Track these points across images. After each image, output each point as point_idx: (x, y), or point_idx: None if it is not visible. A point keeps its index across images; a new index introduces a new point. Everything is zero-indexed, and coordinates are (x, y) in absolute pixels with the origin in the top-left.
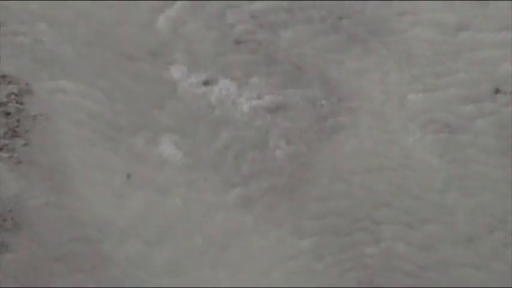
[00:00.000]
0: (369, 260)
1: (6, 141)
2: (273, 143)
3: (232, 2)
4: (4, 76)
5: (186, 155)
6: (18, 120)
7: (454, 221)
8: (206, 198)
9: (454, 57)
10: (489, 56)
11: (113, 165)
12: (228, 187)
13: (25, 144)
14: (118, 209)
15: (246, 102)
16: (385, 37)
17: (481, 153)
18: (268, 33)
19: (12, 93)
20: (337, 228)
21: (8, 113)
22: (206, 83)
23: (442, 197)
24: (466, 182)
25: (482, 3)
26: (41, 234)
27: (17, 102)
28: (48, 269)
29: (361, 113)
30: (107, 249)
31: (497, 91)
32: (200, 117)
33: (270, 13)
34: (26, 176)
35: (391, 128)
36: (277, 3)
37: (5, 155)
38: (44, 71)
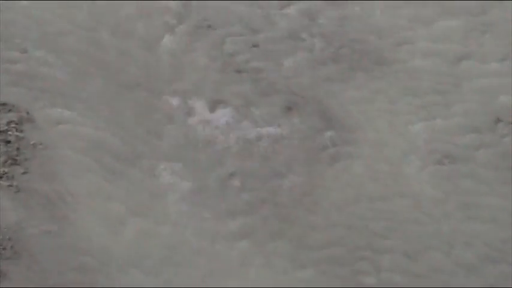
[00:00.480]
0: None
1: (6, 170)
2: (274, 172)
3: (234, 31)
4: (4, 104)
5: (186, 184)
6: (18, 149)
7: (453, 251)
8: (206, 227)
9: (454, 87)
10: (490, 86)
11: (111, 194)
12: (228, 216)
13: (24, 173)
14: (116, 239)
15: (247, 131)
16: (384, 67)
17: (481, 183)
18: (269, 62)
19: (12, 121)
20: (336, 258)
21: (8, 141)
22: (207, 111)
23: (442, 227)
24: (466, 212)
25: (480, 32)
26: (39, 262)
27: (17, 131)
28: None
29: (361, 142)
30: (105, 279)
31: (497, 121)
32: (201, 146)
33: (271, 42)
34: (25, 204)
35: (391, 158)
36: (279, 33)
37: (4, 183)
38: (44, 99)
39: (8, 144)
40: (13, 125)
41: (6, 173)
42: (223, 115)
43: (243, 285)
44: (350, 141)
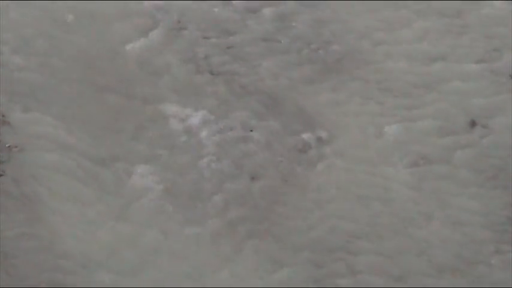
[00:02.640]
0: None
1: None
2: (249, 174)
3: (208, 33)
4: None
5: (162, 187)
6: None
7: (430, 253)
8: (182, 230)
9: (430, 88)
10: (465, 88)
11: (86, 196)
12: (204, 219)
13: (0, 176)
14: (92, 241)
15: (222, 133)
16: (361, 68)
17: (457, 185)
18: (244, 64)
19: None
20: (311, 260)
21: None
22: (182, 114)
23: (419, 229)
24: (442, 214)
25: (456, 34)
26: (15, 265)
27: None
28: None
29: (337, 144)
30: (80, 280)
31: (473, 123)
32: (175, 148)
33: (246, 45)
34: (1, 207)
35: (367, 160)
36: (253, 35)
37: None
38: (19, 102)
39: None
40: None
41: None
42: (198, 118)
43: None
44: (326, 143)
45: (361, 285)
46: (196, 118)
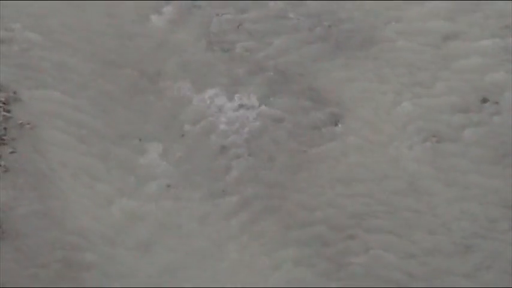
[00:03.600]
0: (356, 269)
1: None
2: (262, 150)
3: (220, 11)
4: None
5: (174, 164)
6: (5, 129)
7: (443, 230)
8: (191, 207)
9: (441, 66)
10: (476, 65)
11: (98, 174)
12: (214, 196)
13: (12, 152)
14: (103, 217)
15: (234, 110)
16: (373, 46)
17: (469, 162)
18: (256, 42)
19: (0, 101)
20: (324, 237)
21: None
22: (194, 91)
23: (431, 206)
24: (454, 191)
25: (469, 12)
26: (27, 242)
27: (4, 111)
28: (33, 276)
29: (349, 122)
30: (91, 257)
31: (484, 100)
32: (188, 126)
33: (258, 21)
34: (13, 184)
35: (379, 137)
36: (266, 12)
37: None
38: (32, 79)
39: None
40: (0, 105)
41: None
42: (210, 95)
43: (227, 266)
44: (339, 120)
45: (374, 261)
46: (208, 95)
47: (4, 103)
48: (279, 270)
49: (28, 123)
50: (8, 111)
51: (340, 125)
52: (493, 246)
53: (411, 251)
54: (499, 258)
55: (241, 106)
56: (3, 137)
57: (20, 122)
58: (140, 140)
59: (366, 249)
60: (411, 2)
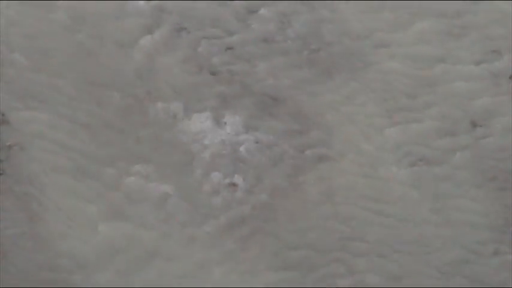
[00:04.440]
0: None
1: None
2: (250, 175)
3: (208, 33)
4: None
5: (162, 187)
6: None
7: (429, 254)
8: (178, 231)
9: (429, 90)
10: (465, 89)
11: (85, 195)
12: (201, 219)
13: (0, 174)
14: (90, 239)
15: (223, 135)
16: (361, 70)
17: (457, 186)
18: (244, 64)
19: None
20: (310, 260)
21: None
22: (182, 113)
23: (418, 230)
24: (442, 215)
25: (456, 36)
26: (14, 263)
27: None
28: None
29: (336, 146)
30: (78, 279)
31: (474, 124)
32: (176, 149)
33: (246, 44)
34: (0, 206)
35: (366, 161)
36: (254, 35)
37: None
38: (20, 101)
39: None
40: None
41: None
42: (199, 118)
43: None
44: (326, 144)
45: (360, 285)
46: (196, 118)
47: None
48: None
49: (16, 145)
50: None
51: (327, 149)
52: (479, 271)
53: (396, 273)
54: (484, 283)
55: (229, 130)
56: None
57: (8, 144)
58: (129, 161)
59: (351, 272)
60: (400, 25)
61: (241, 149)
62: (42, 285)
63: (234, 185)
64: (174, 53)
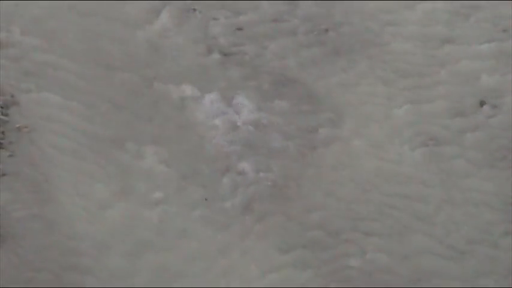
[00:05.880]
0: (352, 272)
1: None
2: (258, 156)
3: (218, 14)
4: None
5: (171, 168)
6: (3, 132)
7: (440, 233)
8: (189, 213)
9: (438, 69)
10: (473, 69)
11: (96, 177)
12: (213, 200)
13: (10, 156)
14: (99, 221)
15: (234, 115)
16: (370, 50)
17: (469, 165)
18: (254, 45)
19: None
20: (321, 241)
21: None
22: (192, 95)
23: (429, 209)
24: (453, 195)
25: (466, 15)
26: (24, 246)
27: (2, 114)
28: (30, 280)
29: (347, 126)
30: (87, 261)
31: (482, 103)
32: (187, 130)
33: (255, 25)
34: (10, 188)
35: (376, 142)
36: (262, 15)
37: None
38: (30, 82)
39: None
40: None
41: None
42: (209, 99)
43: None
44: (336, 125)
45: (371, 264)
46: (207, 99)
47: (2, 107)
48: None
49: (26, 127)
50: (6, 115)
51: (337, 130)
52: (489, 251)
53: (406, 253)
54: (496, 263)
55: (240, 111)
56: (1, 141)
57: (18, 125)
58: (140, 143)
59: (363, 252)
60: (408, 4)
61: (252, 129)
62: (52, 266)
63: (244, 165)
64: (183, 34)
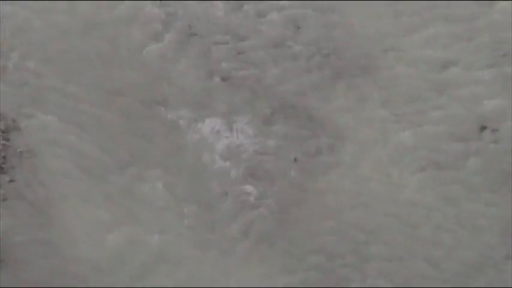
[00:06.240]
0: None
1: None
2: (260, 180)
3: (219, 39)
4: None
5: (171, 192)
6: (4, 157)
7: (439, 258)
8: (190, 236)
9: (439, 94)
10: (474, 93)
11: (97, 201)
12: (213, 224)
13: (11, 181)
14: (102, 245)
15: (234, 139)
16: (371, 74)
17: (468, 190)
18: (255, 70)
19: None
20: (323, 265)
21: None
22: (194, 119)
23: (429, 234)
24: (453, 219)
25: (466, 39)
26: (26, 270)
27: (3, 139)
28: None
29: (348, 151)
30: (87, 284)
31: (483, 128)
32: (188, 154)
33: (257, 50)
34: (12, 212)
35: (379, 166)
36: (264, 40)
37: None
38: (31, 107)
39: None
40: (0, 134)
41: None
42: (210, 124)
43: None
44: (337, 149)
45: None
46: (209, 124)
47: (3, 131)
48: None
49: (27, 152)
50: (7, 140)
51: (338, 154)
52: (492, 276)
53: (408, 278)
54: (495, 286)
55: (240, 135)
56: (2, 166)
57: (19, 150)
58: (140, 167)
59: (363, 277)
60: (410, 29)
61: (252, 154)
62: None
63: (245, 190)
64: (185, 59)
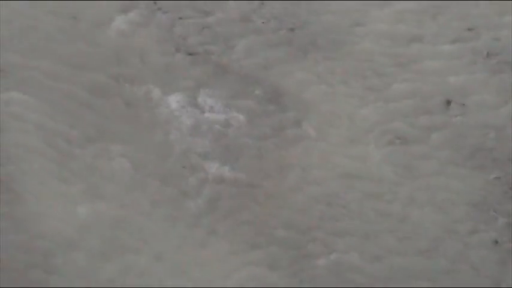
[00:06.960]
0: (320, 271)
1: None
2: (225, 154)
3: (184, 13)
4: None
5: (138, 168)
6: None
7: (407, 232)
8: (156, 212)
9: (405, 68)
10: (440, 68)
11: (63, 176)
12: (179, 198)
13: None
14: (67, 220)
15: (198, 115)
16: (337, 49)
17: (434, 165)
18: (221, 44)
19: None
20: (290, 240)
21: None
22: (159, 94)
23: (396, 208)
24: (419, 193)
25: (433, 14)
26: None
27: None
28: None
29: (314, 125)
30: (54, 260)
31: (449, 102)
32: (153, 129)
33: (222, 24)
34: None
35: (343, 140)
36: (230, 15)
37: None
38: None
39: None
40: None
41: None
42: (176, 98)
43: (193, 268)
44: (303, 124)
45: (339, 264)
46: (173, 98)
47: None
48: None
49: None
50: None
51: (304, 129)
52: (458, 250)
53: (376, 253)
54: (462, 261)
55: (206, 110)
56: None
57: None
58: (107, 142)
59: (330, 251)
60: (376, 4)
61: (219, 128)
62: (19, 266)
63: (211, 165)
64: (150, 34)
